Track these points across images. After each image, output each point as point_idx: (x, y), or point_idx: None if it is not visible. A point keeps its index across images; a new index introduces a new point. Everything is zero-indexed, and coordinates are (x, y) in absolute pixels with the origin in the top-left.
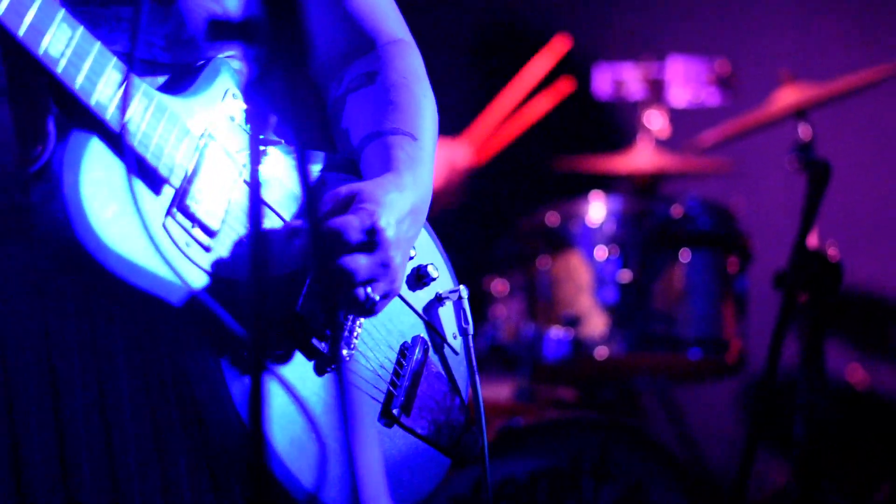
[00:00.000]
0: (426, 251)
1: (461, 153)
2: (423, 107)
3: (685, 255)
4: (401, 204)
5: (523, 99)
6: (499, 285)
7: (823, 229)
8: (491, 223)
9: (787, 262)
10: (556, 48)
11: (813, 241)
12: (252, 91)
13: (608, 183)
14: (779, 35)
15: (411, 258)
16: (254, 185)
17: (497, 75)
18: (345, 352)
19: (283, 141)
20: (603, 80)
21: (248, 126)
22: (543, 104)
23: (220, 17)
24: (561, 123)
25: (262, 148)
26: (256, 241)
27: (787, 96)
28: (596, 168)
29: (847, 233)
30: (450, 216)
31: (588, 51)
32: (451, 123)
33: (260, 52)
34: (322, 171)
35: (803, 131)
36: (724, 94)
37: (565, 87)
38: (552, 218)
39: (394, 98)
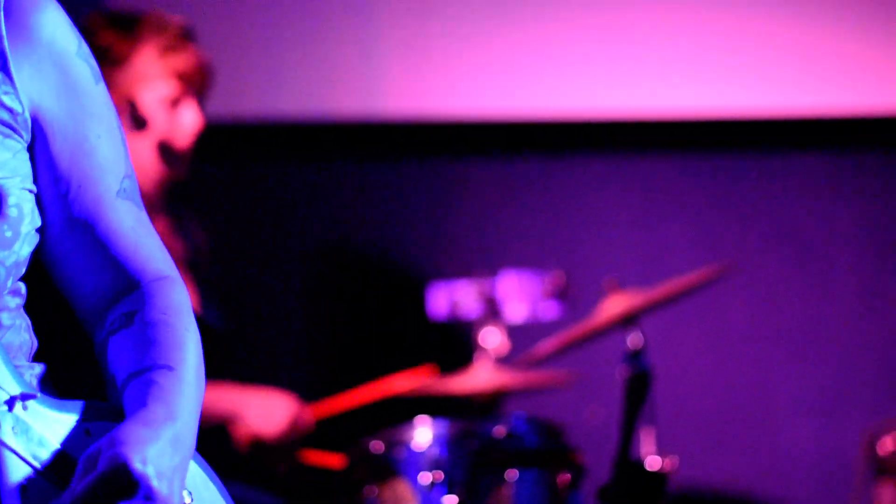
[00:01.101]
0: (205, 497)
1: (306, 416)
2: (184, 339)
3: (512, 475)
4: (154, 436)
5: (375, 399)
6: None
7: (672, 436)
8: (328, 451)
9: (610, 475)
10: (422, 375)
11: (650, 449)
12: None
13: (446, 405)
14: (612, 243)
15: None
16: None
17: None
18: None
19: (37, 394)
20: (438, 300)
21: None
22: (400, 385)
23: None
24: (398, 346)
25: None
26: None
27: (615, 305)
28: (434, 390)
29: (694, 436)
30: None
31: (422, 270)
32: (304, 390)
33: None
34: (81, 421)
35: (633, 339)
36: (561, 305)
37: (426, 373)
38: (377, 445)
39: (151, 335)
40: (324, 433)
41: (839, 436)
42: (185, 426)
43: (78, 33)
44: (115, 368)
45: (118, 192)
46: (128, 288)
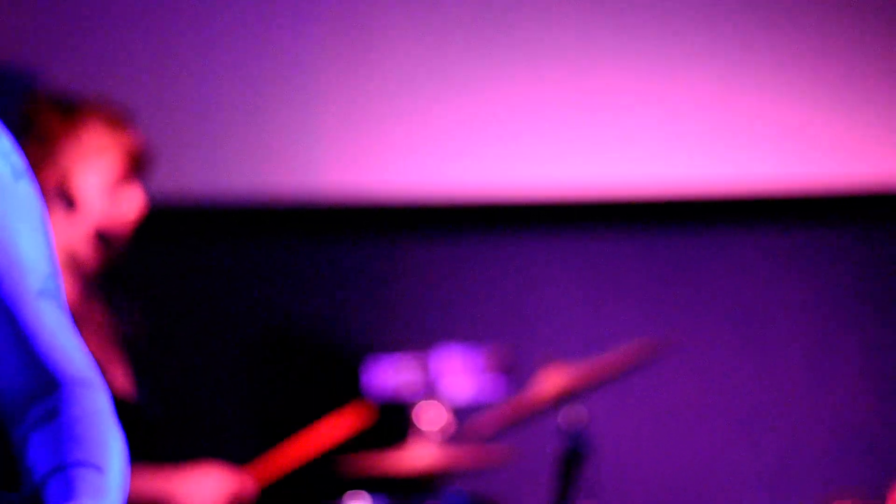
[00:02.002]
0: None
1: (245, 484)
2: (109, 439)
3: None
4: None
5: (315, 453)
6: None
7: None
8: None
9: None
10: (357, 416)
11: None
12: None
13: (385, 483)
14: (554, 319)
15: None
16: None
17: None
18: None
19: None
20: (377, 376)
21: None
22: (336, 432)
23: None
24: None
25: None
26: None
27: (554, 382)
28: (375, 468)
29: None
30: None
31: (361, 347)
32: (240, 453)
33: None
34: None
35: (571, 416)
36: (503, 381)
37: (360, 417)
38: None
39: (77, 432)
40: None
41: None
42: None
43: (1, 128)
44: (35, 461)
45: (39, 291)
46: (47, 387)
